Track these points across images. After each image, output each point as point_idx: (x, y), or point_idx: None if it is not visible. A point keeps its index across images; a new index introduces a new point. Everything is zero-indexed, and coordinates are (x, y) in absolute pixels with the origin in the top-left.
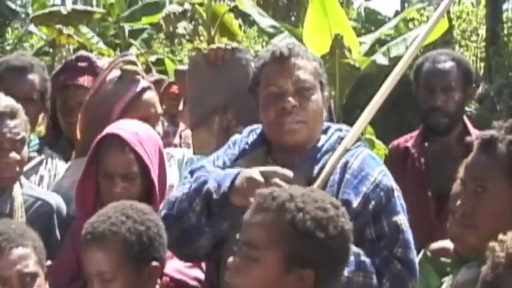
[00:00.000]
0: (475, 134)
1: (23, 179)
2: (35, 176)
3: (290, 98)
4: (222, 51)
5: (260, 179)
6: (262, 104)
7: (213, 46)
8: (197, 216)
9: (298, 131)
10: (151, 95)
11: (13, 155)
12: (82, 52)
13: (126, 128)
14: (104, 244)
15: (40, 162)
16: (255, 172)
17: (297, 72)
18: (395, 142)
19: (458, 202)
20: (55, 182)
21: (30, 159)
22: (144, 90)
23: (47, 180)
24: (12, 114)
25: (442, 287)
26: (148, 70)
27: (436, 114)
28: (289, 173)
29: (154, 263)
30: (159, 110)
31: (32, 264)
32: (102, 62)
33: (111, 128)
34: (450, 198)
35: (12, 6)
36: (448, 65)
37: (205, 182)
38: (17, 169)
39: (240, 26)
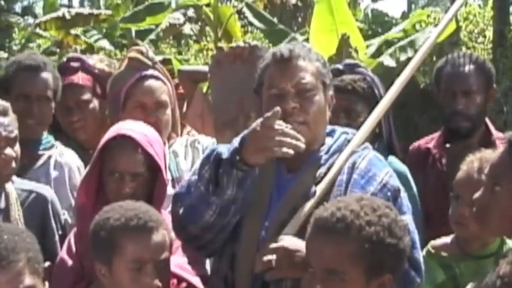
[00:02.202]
0: (497, 136)
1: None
2: (44, 175)
3: (290, 101)
4: (241, 49)
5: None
6: (265, 106)
7: (233, 45)
8: (205, 184)
9: (299, 132)
10: (150, 84)
11: (9, 151)
12: (73, 54)
13: (135, 129)
14: (161, 231)
15: (49, 159)
16: (258, 124)
17: (297, 73)
18: (415, 143)
19: (476, 196)
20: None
21: (39, 156)
22: (143, 78)
23: (67, 173)
24: (4, 112)
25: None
26: None
27: (458, 118)
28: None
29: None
30: (163, 99)
31: (26, 279)
32: (94, 60)
33: (120, 129)
34: (454, 184)
35: (13, 19)
36: (469, 68)
37: (214, 150)
38: (13, 165)
39: (244, 26)
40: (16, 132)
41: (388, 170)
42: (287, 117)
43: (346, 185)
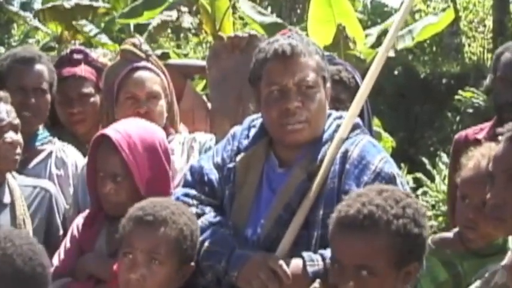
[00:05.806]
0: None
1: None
2: (44, 170)
3: (293, 100)
4: (238, 39)
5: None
6: (264, 102)
7: (231, 35)
8: (208, 282)
9: (301, 130)
10: (141, 75)
11: (14, 135)
12: (76, 46)
13: (120, 128)
14: (162, 228)
15: (49, 155)
16: (262, 268)
17: (300, 71)
18: (462, 133)
19: (490, 193)
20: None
21: (38, 151)
22: (134, 69)
23: (71, 168)
24: (6, 100)
25: (472, 286)
26: None
27: None
28: (289, 277)
29: (192, 264)
30: (154, 90)
31: None
32: (97, 54)
33: (108, 128)
34: (460, 184)
35: (14, 9)
36: None
37: (219, 261)
38: (18, 151)
39: (242, 18)
40: (18, 120)
41: (382, 156)
42: (289, 117)
43: (340, 175)
